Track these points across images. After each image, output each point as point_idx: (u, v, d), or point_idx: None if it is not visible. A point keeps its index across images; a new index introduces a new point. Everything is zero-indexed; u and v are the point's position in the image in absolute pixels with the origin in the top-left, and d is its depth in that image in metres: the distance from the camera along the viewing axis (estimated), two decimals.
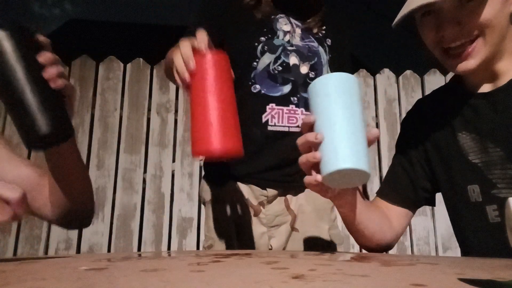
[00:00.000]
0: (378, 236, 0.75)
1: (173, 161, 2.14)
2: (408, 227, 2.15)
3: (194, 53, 0.67)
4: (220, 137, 0.63)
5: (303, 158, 0.60)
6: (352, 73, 1.27)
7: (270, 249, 1.03)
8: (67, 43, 8.04)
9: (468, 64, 0.65)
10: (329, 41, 1.08)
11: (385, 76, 2.36)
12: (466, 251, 0.75)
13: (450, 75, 2.36)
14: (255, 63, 1.00)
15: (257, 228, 1.02)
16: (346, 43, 1.16)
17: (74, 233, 1.97)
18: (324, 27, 1.08)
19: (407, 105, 2.32)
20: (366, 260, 0.47)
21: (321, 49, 1.06)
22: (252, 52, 1.00)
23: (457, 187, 0.70)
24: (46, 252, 1.95)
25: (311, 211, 1.03)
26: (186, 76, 0.67)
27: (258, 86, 1.00)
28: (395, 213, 0.80)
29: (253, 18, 1.02)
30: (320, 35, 1.07)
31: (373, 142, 0.58)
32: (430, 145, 0.77)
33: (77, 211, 0.71)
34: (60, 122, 0.58)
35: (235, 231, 1.02)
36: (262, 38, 1.01)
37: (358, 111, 0.57)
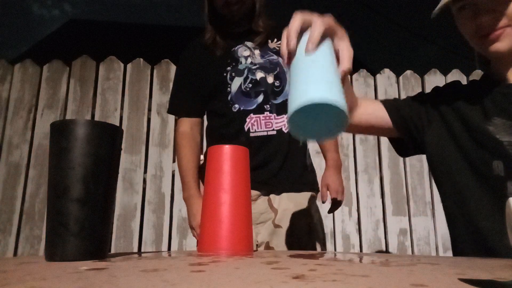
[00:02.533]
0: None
1: (174, 161, 2.14)
2: (408, 227, 2.16)
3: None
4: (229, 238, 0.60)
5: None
6: None
7: (256, 244, 1.15)
8: (68, 43, 8.05)
9: (499, 46, 0.73)
10: None
11: (386, 76, 2.36)
12: (470, 221, 0.76)
13: (450, 75, 2.37)
14: (228, 89, 1.19)
15: None
16: None
17: None
18: (280, 42, 1.19)
19: None
20: (366, 260, 0.47)
21: (281, 60, 1.20)
22: (223, 81, 1.19)
23: (483, 160, 0.75)
24: None
25: (293, 207, 1.16)
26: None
27: (237, 106, 1.17)
28: (379, 108, 0.84)
29: (216, 56, 1.22)
30: (277, 48, 1.23)
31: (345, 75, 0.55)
32: (459, 118, 0.81)
33: None
34: (100, 247, 0.49)
35: None
36: (228, 68, 1.20)
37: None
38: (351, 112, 0.80)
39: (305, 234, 1.15)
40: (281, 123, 1.17)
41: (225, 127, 1.19)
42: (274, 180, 1.15)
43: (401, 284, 0.28)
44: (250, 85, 1.18)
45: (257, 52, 1.22)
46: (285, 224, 1.14)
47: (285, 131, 1.17)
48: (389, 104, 0.85)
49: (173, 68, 2.24)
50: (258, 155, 1.14)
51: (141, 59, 2.25)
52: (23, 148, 2.07)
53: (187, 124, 1.26)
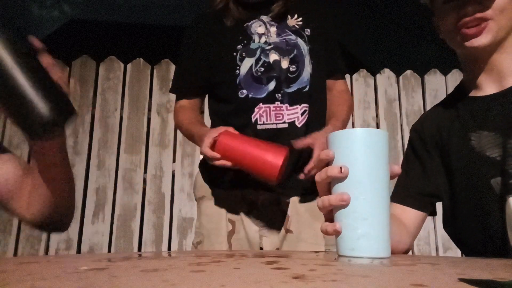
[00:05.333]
0: (399, 247, 0.78)
1: (174, 161, 2.14)
2: None
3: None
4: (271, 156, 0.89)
5: (319, 176, 0.53)
6: (342, 61, 1.18)
7: (261, 248, 1.05)
8: (68, 43, 8.04)
9: (480, 40, 0.71)
10: (308, 31, 1.08)
11: (386, 76, 2.36)
12: (492, 243, 0.75)
13: (450, 75, 2.37)
14: (237, 71, 1.03)
15: (250, 226, 1.05)
16: (328, 30, 1.13)
17: (74, 234, 1.97)
18: (301, 18, 1.08)
19: (407, 105, 2.32)
20: (366, 260, 0.47)
21: (300, 40, 1.06)
22: (232, 61, 1.03)
23: (481, 183, 0.73)
24: (46, 252, 1.96)
25: (305, 211, 1.05)
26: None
27: (245, 91, 1.02)
28: (411, 215, 0.83)
29: (226, 28, 1.06)
30: (297, 26, 1.07)
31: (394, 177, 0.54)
32: (443, 152, 0.80)
33: (56, 214, 0.67)
34: (59, 101, 0.55)
35: (226, 228, 1.04)
36: (239, 46, 1.04)
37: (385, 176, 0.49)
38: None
39: (317, 241, 1.04)
40: (293, 115, 1.02)
41: (231, 116, 1.05)
42: (285, 182, 0.98)
43: (401, 284, 0.28)
44: (262, 68, 1.02)
45: (273, 29, 1.05)
46: (297, 229, 1.04)
47: (299, 125, 1.02)
48: (407, 203, 0.82)
49: (173, 68, 2.24)
50: None
51: (141, 59, 2.25)
52: (23, 148, 2.06)
53: (186, 101, 1.15)
